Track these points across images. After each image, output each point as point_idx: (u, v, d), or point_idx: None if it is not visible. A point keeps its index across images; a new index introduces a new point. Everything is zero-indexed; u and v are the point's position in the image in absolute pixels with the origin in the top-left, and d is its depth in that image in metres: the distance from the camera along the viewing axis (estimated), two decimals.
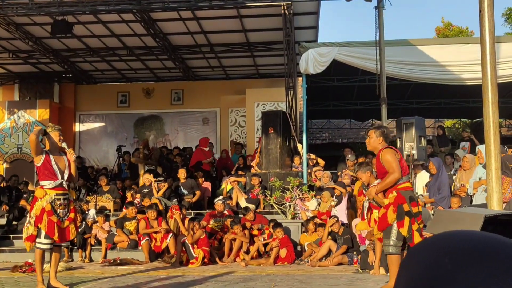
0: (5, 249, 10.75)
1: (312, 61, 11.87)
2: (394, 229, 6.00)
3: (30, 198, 9.96)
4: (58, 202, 6.77)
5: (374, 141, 6.17)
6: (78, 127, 18.48)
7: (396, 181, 5.99)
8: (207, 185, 13.17)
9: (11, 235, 11.32)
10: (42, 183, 6.81)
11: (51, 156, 6.77)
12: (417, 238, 6.09)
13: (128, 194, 12.22)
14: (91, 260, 10.31)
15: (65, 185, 6.85)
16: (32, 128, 16.85)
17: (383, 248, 6.27)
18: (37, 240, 6.72)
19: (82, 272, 8.66)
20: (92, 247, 10.50)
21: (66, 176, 6.83)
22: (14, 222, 11.65)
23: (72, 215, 6.94)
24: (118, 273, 8.41)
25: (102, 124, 18.52)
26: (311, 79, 13.12)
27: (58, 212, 6.77)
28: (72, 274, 8.38)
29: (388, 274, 7.65)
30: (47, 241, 6.70)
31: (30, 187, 13.68)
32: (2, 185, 13.57)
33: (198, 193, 12.34)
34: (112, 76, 18.60)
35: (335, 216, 9.43)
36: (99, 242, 10.59)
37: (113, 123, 18.46)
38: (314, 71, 12.01)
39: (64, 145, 6.92)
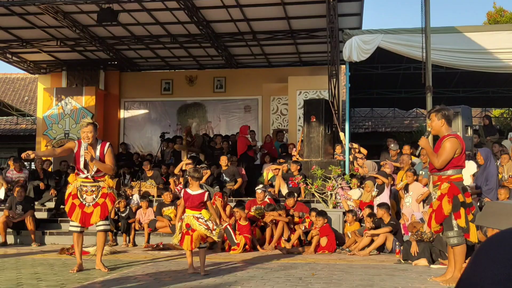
0: (53, 231, 11.09)
1: (356, 49, 11.71)
2: (454, 220, 5.89)
3: None
4: (85, 189, 7.01)
5: (436, 124, 6.13)
6: (123, 113, 18.80)
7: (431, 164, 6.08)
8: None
9: (58, 219, 11.66)
10: (76, 170, 7.16)
11: (81, 151, 6.87)
12: (472, 229, 5.95)
13: (171, 180, 12.39)
14: (134, 245, 10.52)
15: (90, 178, 7.01)
16: (79, 115, 17.26)
17: (446, 240, 6.14)
18: (70, 223, 7.18)
19: (126, 256, 8.86)
20: (136, 232, 10.71)
21: (93, 172, 6.99)
22: (61, 206, 11.97)
23: (100, 200, 7.03)
24: (160, 257, 8.57)
25: (146, 111, 18.79)
26: (354, 66, 12.94)
27: (84, 197, 6.97)
28: (117, 257, 8.58)
29: (431, 266, 7.55)
30: (74, 223, 7.04)
31: None
32: (50, 169, 13.96)
33: (239, 180, 12.41)
34: (156, 64, 18.83)
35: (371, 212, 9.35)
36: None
37: (157, 110, 18.70)
38: (358, 59, 11.85)
39: (85, 145, 6.82)
